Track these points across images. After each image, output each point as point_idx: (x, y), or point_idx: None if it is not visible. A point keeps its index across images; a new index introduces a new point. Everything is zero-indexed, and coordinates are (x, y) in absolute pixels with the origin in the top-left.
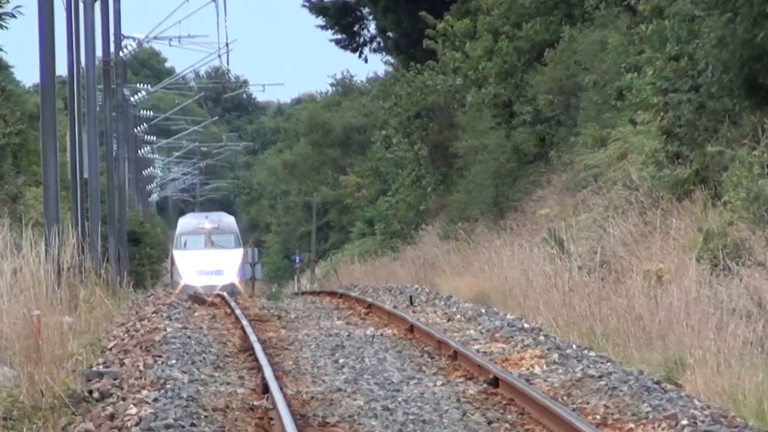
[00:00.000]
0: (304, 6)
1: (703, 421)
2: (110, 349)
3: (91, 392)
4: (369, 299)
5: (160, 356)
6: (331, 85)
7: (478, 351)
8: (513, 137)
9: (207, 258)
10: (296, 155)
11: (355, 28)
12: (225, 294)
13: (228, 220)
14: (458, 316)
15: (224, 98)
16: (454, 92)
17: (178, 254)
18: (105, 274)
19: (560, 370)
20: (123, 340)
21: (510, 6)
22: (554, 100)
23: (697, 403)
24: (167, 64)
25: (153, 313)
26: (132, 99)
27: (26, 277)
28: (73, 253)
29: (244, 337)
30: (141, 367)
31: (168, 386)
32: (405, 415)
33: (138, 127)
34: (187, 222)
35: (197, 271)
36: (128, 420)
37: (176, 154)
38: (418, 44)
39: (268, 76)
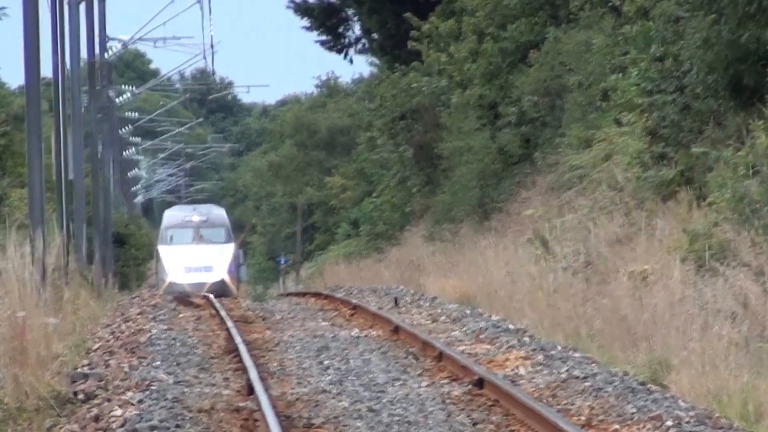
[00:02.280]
0: (288, 7)
1: (688, 422)
2: (95, 351)
3: (76, 394)
4: (354, 300)
5: (145, 358)
6: (316, 86)
7: (463, 352)
8: (498, 138)
9: (195, 253)
10: (281, 157)
11: (340, 30)
12: (210, 296)
13: (218, 212)
14: (443, 317)
15: (209, 100)
16: (439, 93)
17: (163, 249)
18: (90, 275)
19: (545, 371)
20: (108, 341)
21: (495, 7)
22: (539, 101)
23: (682, 404)
24: (152, 66)
25: (138, 314)
26: (117, 100)
27: (11, 278)
28: (58, 255)
29: (229, 338)
30: (126, 369)
31: (153, 388)
32: (390, 416)
33: (123, 129)
34: (173, 215)
35: (184, 267)
36: (113, 421)
37: (161, 155)
38: (403, 45)
39: (253, 78)
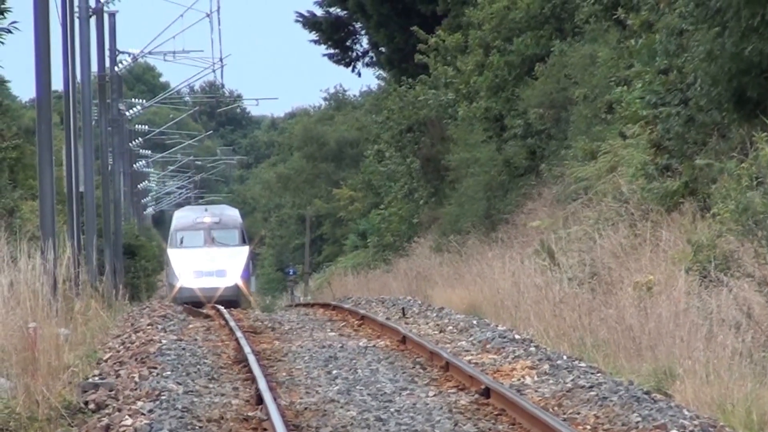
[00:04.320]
0: (297, 21)
1: (692, 431)
2: (106, 361)
3: (87, 403)
4: (362, 311)
5: (155, 368)
6: (325, 99)
7: (469, 362)
8: (504, 150)
9: (207, 257)
10: (290, 169)
11: (348, 43)
12: (221, 307)
13: (231, 213)
14: (450, 327)
15: (218, 112)
16: (445, 106)
17: (173, 253)
18: (101, 286)
19: (551, 381)
20: (118, 351)
21: (501, 21)
22: (545, 114)
23: (686, 413)
24: (162, 79)
25: (148, 325)
26: (127, 113)
27: (22, 289)
28: (69, 266)
29: (239, 348)
30: (136, 379)
31: (163, 397)
32: (397, 425)
33: (133, 142)
34: (183, 216)
35: (195, 271)
36: (124, 431)
37: (171, 168)
38: (410, 59)
39: (261, 91)
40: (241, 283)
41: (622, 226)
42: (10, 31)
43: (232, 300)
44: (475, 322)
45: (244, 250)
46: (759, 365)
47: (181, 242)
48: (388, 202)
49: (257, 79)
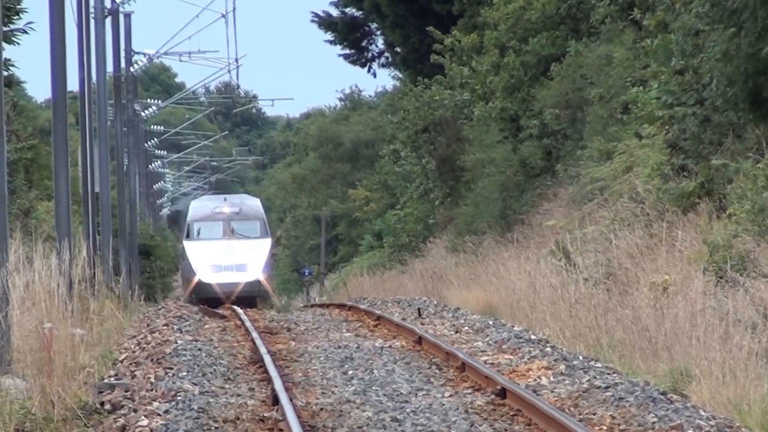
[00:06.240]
0: (313, 21)
1: None
2: (121, 362)
3: (102, 404)
4: (378, 311)
5: (171, 368)
6: (340, 99)
7: (485, 362)
8: (520, 151)
9: (226, 250)
10: (305, 169)
11: (364, 43)
12: (237, 308)
13: (252, 203)
14: (466, 327)
15: (234, 113)
16: (461, 106)
17: (189, 246)
18: (116, 287)
19: (567, 381)
20: (134, 352)
21: (517, 21)
22: (560, 114)
23: (702, 413)
24: (177, 80)
25: (164, 325)
26: (143, 114)
27: (38, 290)
28: (84, 267)
29: (254, 348)
30: (152, 379)
31: (179, 398)
32: (413, 426)
33: (148, 142)
34: (200, 206)
35: (213, 265)
36: (139, 431)
37: (186, 168)
38: (425, 59)
39: (277, 91)
40: (262, 278)
41: (637, 226)
42: (25, 32)
43: (249, 298)
44: (491, 322)
45: (266, 243)
46: None
47: (198, 234)
48: (404, 203)
49: (273, 80)
